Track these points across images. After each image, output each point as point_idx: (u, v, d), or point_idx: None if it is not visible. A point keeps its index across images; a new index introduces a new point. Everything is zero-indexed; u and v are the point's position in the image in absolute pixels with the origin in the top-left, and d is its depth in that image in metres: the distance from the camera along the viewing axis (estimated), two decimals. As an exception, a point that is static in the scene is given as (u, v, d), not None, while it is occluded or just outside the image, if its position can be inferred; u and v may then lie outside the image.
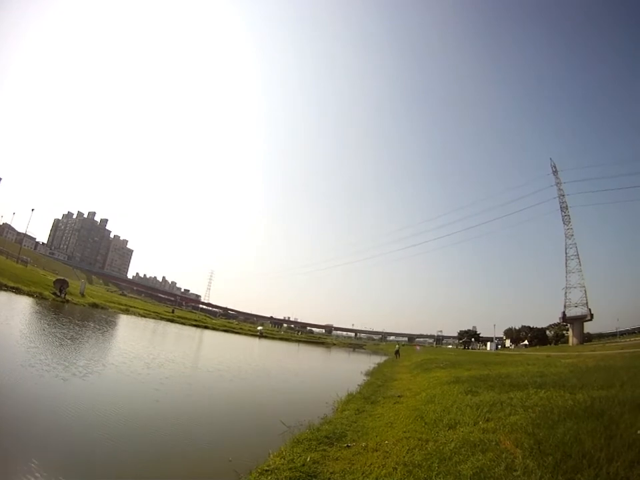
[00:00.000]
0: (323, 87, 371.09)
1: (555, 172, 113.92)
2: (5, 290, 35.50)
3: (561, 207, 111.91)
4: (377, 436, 8.95)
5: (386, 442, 8.13)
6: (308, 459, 7.08)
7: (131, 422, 9.15)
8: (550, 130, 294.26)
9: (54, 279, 47.99)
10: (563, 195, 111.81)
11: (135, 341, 26.08)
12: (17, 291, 36.91)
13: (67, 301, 41.96)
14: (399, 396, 15.73)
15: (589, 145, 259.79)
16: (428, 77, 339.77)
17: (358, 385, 20.34)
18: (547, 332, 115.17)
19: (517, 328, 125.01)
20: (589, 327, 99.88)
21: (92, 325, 28.63)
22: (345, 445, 8.26)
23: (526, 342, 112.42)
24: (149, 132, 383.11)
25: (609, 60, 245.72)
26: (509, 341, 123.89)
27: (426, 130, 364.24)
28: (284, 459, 7.15)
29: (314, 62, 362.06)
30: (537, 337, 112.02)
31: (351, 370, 35.75)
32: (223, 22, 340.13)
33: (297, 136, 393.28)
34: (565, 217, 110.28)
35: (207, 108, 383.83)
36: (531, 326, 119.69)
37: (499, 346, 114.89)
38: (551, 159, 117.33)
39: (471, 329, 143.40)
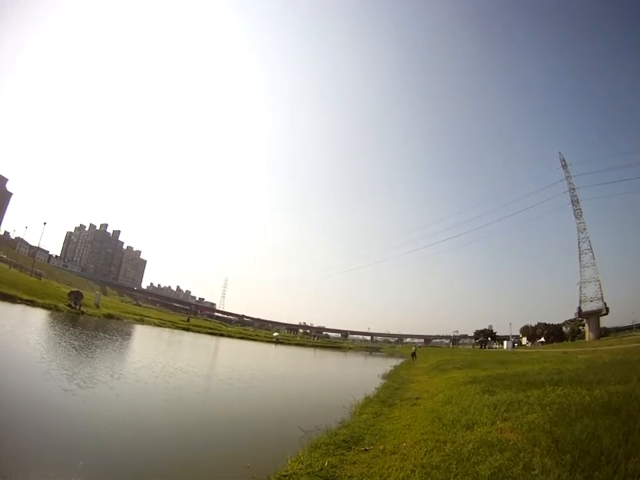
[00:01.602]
0: (328, 87, 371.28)
1: (564, 165, 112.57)
2: (19, 303, 35.91)
3: (571, 201, 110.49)
4: (394, 439, 8.95)
5: (404, 444, 8.14)
6: (326, 464, 7.12)
7: (141, 432, 9.12)
8: (553, 125, 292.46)
9: (68, 291, 48.61)
10: (574, 189, 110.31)
11: (148, 351, 26.36)
12: (32, 303, 37.35)
13: (82, 313, 42.42)
14: (416, 398, 15.69)
15: (595, 138, 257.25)
16: (432, 76, 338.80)
17: (375, 388, 20.21)
18: (563, 328, 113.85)
19: (533, 325, 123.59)
20: (604, 321, 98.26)
21: (106, 335, 28.86)
22: (363, 448, 8.29)
23: (542, 339, 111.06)
24: (159, 142, 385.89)
25: (608, 55, 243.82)
26: (526, 338, 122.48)
27: (432, 131, 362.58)
28: (302, 463, 7.20)
29: (318, 60, 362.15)
30: (553, 333, 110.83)
31: (367, 373, 35.67)
32: (227, 23, 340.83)
33: (303, 141, 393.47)
34: (577, 211, 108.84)
35: (216, 117, 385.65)
36: (547, 323, 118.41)
37: (516, 344, 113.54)
38: (559, 152, 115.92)
39: (487, 328, 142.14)
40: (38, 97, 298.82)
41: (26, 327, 23.41)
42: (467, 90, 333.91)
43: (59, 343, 19.65)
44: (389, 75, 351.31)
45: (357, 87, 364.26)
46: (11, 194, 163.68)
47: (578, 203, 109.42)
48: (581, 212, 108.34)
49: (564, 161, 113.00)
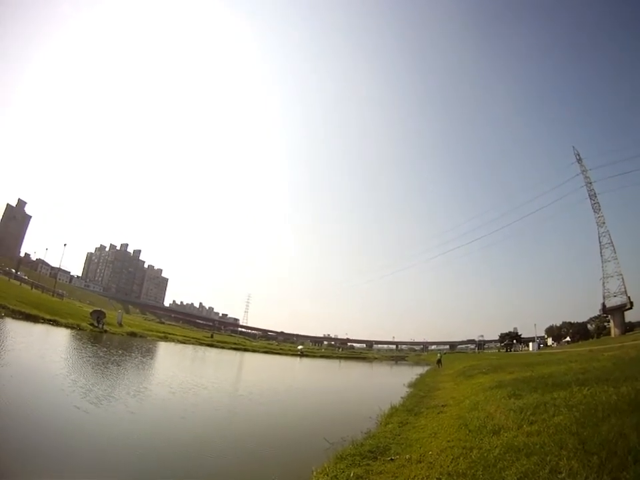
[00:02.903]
0: (337, 91, 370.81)
1: (579, 160, 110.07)
2: (42, 322, 36.40)
3: (589, 195, 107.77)
4: (420, 447, 8.90)
5: (430, 452, 8.11)
6: (351, 474, 7.12)
7: (156, 450, 9.07)
8: (560, 121, 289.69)
9: (90, 310, 49.43)
10: (590, 183, 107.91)
11: (169, 368, 26.62)
12: (55, 323, 37.94)
13: (105, 331, 43.03)
14: (442, 405, 15.59)
15: (598, 133, 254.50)
16: (437, 78, 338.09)
17: (401, 398, 20.09)
18: (588, 326, 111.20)
19: (558, 325, 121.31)
20: (629, 316, 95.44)
21: (127, 352, 29.25)
22: (389, 458, 8.26)
23: (568, 338, 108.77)
24: (180, 160, 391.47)
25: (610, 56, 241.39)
26: (551, 339, 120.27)
27: (443, 135, 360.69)
28: (327, 475, 7.23)
29: (326, 68, 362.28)
30: (578, 332, 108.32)
31: (393, 383, 35.29)
32: (241, 35, 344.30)
33: (317, 145, 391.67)
34: (595, 205, 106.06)
35: (236, 133, 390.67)
36: (572, 321, 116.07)
37: (541, 345, 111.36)
38: (573, 147, 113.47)
39: (512, 330, 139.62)
40: (55, 111, 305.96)
41: (48, 344, 24.05)
42: (473, 90, 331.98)
43: (78, 360, 19.97)
44: (397, 79, 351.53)
45: (369, 91, 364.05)
46: (30, 217, 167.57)
47: (595, 196, 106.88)
48: (599, 206, 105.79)
49: (578, 155, 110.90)
